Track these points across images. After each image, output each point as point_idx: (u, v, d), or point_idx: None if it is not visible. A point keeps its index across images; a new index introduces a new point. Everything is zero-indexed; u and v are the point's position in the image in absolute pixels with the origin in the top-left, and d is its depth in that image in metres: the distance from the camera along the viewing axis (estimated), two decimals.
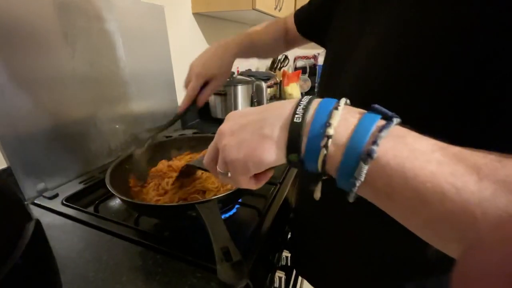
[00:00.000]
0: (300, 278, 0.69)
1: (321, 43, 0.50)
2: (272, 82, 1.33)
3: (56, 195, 0.57)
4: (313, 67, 1.71)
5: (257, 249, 0.42)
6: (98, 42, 0.67)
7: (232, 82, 1.07)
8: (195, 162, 0.47)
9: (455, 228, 0.16)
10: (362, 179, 0.18)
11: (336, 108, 0.19)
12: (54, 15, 0.57)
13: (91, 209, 0.52)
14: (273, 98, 1.35)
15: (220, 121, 0.95)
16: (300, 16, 0.52)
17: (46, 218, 0.50)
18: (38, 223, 0.25)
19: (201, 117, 1.16)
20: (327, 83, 0.39)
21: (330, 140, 0.19)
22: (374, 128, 0.18)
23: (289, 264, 0.53)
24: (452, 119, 0.24)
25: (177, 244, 0.43)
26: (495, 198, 0.14)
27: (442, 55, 0.23)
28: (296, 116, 0.20)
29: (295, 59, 1.81)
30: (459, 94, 0.23)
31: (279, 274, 0.48)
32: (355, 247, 0.39)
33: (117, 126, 0.76)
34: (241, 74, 1.29)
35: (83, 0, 0.62)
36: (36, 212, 0.53)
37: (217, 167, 0.26)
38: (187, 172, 0.50)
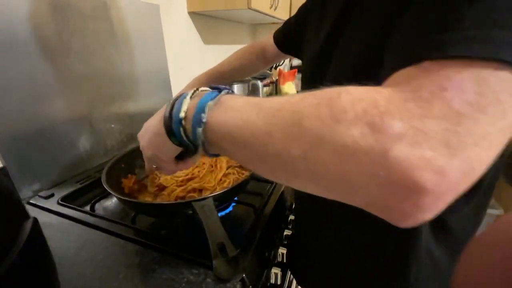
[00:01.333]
0: None
1: (297, 56, 0.59)
2: (268, 81, 1.33)
3: (51, 195, 0.57)
4: None
5: (253, 245, 0.43)
6: (93, 41, 0.67)
7: None
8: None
9: (267, 152, 0.20)
10: (202, 138, 0.24)
11: (186, 98, 0.26)
12: (48, 14, 0.57)
13: (87, 208, 0.53)
14: (269, 97, 1.36)
15: None
16: (278, 34, 0.63)
17: (42, 218, 0.50)
18: (35, 221, 0.26)
19: None
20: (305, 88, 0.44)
21: (183, 121, 0.25)
22: (206, 102, 0.24)
23: (285, 261, 0.54)
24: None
25: (173, 241, 0.43)
26: (261, 120, 0.21)
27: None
28: (166, 112, 0.27)
29: (291, 58, 1.82)
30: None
31: (275, 270, 0.48)
32: (352, 251, 0.39)
33: (112, 125, 0.76)
34: None
35: None
36: (32, 212, 0.52)
37: (148, 163, 0.35)
38: None
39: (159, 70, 0.91)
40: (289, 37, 0.59)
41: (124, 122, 0.79)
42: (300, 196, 0.49)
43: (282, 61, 1.59)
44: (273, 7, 1.23)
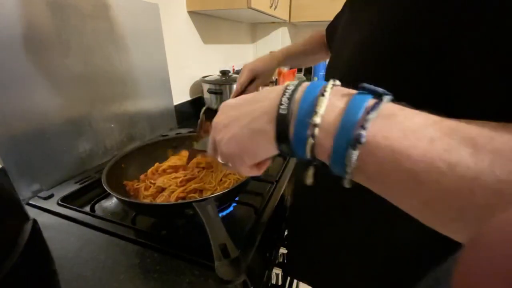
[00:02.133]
0: None
1: None
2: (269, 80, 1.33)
3: (51, 195, 0.56)
4: None
5: (254, 246, 0.43)
6: (92, 40, 0.66)
7: (227, 80, 1.07)
8: (199, 146, 0.49)
9: (453, 207, 0.15)
10: (353, 165, 0.17)
11: (323, 94, 0.18)
12: (47, 13, 0.56)
13: (87, 209, 0.52)
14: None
15: None
16: (327, 27, 0.59)
17: (41, 219, 0.50)
18: (35, 223, 0.25)
19: (197, 115, 1.16)
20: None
21: (317, 129, 0.18)
22: (362, 111, 0.17)
23: (286, 261, 0.54)
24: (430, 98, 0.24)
25: (174, 242, 0.43)
26: (493, 169, 0.14)
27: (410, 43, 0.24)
28: (282, 107, 0.20)
29: None
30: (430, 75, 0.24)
31: (276, 270, 0.48)
32: (352, 246, 0.40)
33: (112, 125, 0.75)
34: (237, 72, 1.29)
35: None
36: (31, 213, 0.52)
37: (218, 158, 0.27)
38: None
39: (158, 70, 0.91)
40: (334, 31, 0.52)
41: (124, 122, 0.79)
42: (297, 190, 0.48)
43: None
44: (273, 7, 1.23)
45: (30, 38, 0.54)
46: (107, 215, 0.52)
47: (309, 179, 0.22)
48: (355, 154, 0.17)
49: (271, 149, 0.22)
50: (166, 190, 0.51)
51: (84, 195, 0.59)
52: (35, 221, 0.25)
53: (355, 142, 0.17)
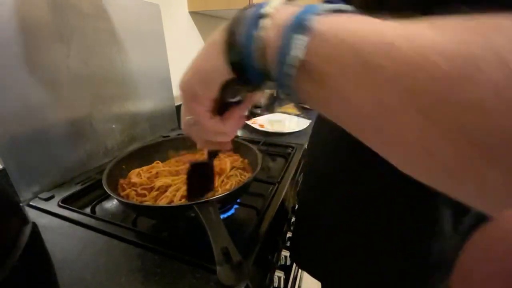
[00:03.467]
0: (299, 277, 0.70)
1: None
2: None
3: (52, 197, 0.56)
4: None
5: (256, 249, 0.42)
6: (93, 41, 0.66)
7: None
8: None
9: (417, 92, 0.12)
10: (300, 54, 0.15)
11: None
12: (48, 13, 0.56)
13: (88, 210, 0.52)
14: (270, 97, 1.35)
15: None
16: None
17: (42, 220, 0.49)
18: (34, 226, 0.25)
19: None
20: None
21: (267, 20, 0.17)
22: (319, 8, 0.16)
23: (288, 264, 0.53)
24: None
25: (175, 244, 0.43)
26: (455, 35, 0.12)
27: None
28: (228, 30, 0.19)
29: None
30: None
31: (278, 273, 0.48)
32: (362, 239, 0.39)
33: (113, 125, 0.75)
34: None
35: None
36: (31, 214, 0.52)
37: (183, 115, 0.26)
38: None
39: (159, 70, 0.90)
40: None
41: (125, 122, 0.79)
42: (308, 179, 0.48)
43: None
44: None
45: (30, 38, 0.54)
46: (108, 216, 0.52)
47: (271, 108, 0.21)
48: (302, 40, 0.15)
49: (219, 63, 0.19)
50: (170, 189, 0.50)
51: (85, 196, 0.59)
52: (34, 224, 0.25)
53: (301, 25, 0.15)
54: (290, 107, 1.34)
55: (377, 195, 0.35)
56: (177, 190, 0.49)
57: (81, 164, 0.67)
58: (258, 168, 0.49)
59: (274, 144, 0.85)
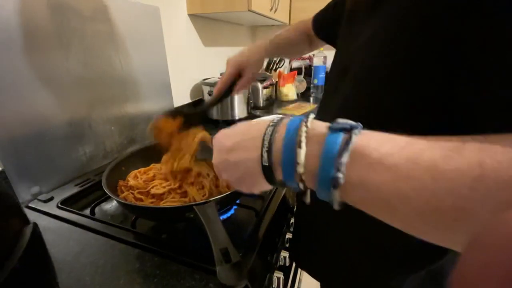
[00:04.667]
0: (298, 278, 0.70)
1: (332, 44, 0.52)
2: (268, 83, 1.33)
3: (51, 198, 0.56)
4: (308, 68, 1.72)
5: (255, 249, 0.42)
6: (92, 43, 0.66)
7: None
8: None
9: (429, 221, 0.17)
10: (338, 199, 0.20)
11: (299, 146, 0.21)
12: (48, 16, 0.56)
13: (87, 212, 0.52)
14: (269, 98, 1.35)
15: (215, 122, 0.95)
16: (316, 17, 0.56)
17: (41, 222, 0.49)
18: (35, 226, 0.25)
19: None
20: (329, 91, 0.43)
21: (302, 176, 0.21)
22: (336, 153, 0.19)
23: (287, 265, 0.53)
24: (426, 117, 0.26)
25: (174, 246, 0.43)
26: (452, 191, 0.16)
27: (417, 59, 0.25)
28: (263, 160, 0.23)
29: (290, 60, 1.82)
30: (430, 94, 0.26)
31: (277, 274, 0.48)
32: (360, 239, 0.39)
33: (112, 127, 0.75)
34: None
35: (78, 1, 0.62)
36: (30, 216, 0.52)
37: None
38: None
39: (159, 72, 0.91)
40: (326, 23, 0.51)
41: (124, 124, 0.79)
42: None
43: (282, 63, 1.59)
44: (273, 10, 1.23)
45: (30, 40, 0.54)
46: (107, 218, 0.52)
47: (307, 199, 0.24)
48: (336, 192, 0.20)
49: (266, 187, 0.26)
50: (166, 199, 0.49)
51: (84, 198, 0.59)
52: (35, 224, 0.25)
53: (335, 183, 0.19)
54: (290, 108, 1.35)
55: None
56: (173, 198, 0.49)
57: (80, 166, 0.67)
58: None
59: None
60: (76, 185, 0.62)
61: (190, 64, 1.14)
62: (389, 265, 0.39)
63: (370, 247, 0.39)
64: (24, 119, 0.54)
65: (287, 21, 1.54)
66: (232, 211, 0.53)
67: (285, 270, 0.52)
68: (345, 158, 0.19)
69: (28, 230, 0.24)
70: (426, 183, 0.17)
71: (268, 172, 0.23)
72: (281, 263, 0.53)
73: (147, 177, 0.54)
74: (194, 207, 0.38)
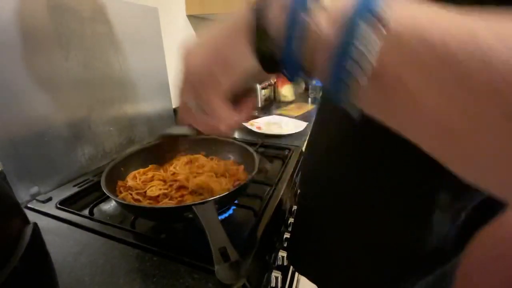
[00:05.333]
0: (296, 278, 0.70)
1: None
2: (267, 83, 1.34)
3: (49, 199, 0.56)
4: None
5: (253, 249, 0.43)
6: (92, 44, 0.67)
7: None
8: (170, 130, 0.38)
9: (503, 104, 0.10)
10: (372, 60, 0.12)
11: None
12: (47, 17, 0.57)
13: (86, 212, 0.52)
14: (268, 99, 1.36)
15: None
16: None
17: (40, 222, 0.48)
18: (35, 226, 0.25)
19: None
20: None
21: (315, 3, 0.13)
22: None
23: (285, 264, 0.54)
24: None
25: (173, 245, 0.43)
26: None
27: None
28: (255, 11, 0.15)
29: None
30: None
31: (276, 274, 0.48)
32: (362, 245, 0.39)
33: (111, 128, 0.75)
34: None
35: (77, 2, 0.62)
36: (29, 216, 0.51)
37: (185, 99, 0.22)
38: (167, 146, 0.48)
39: (157, 73, 0.91)
40: None
41: (123, 125, 0.79)
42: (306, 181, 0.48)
43: None
44: None
45: (29, 41, 0.54)
46: (106, 218, 0.52)
47: (353, 108, 0.15)
48: (376, 41, 0.11)
49: (246, 53, 0.16)
50: (162, 201, 0.49)
51: (83, 199, 0.59)
52: (35, 224, 0.25)
53: (374, 17, 0.11)
54: (288, 109, 1.35)
55: (376, 199, 0.36)
56: (170, 201, 0.49)
57: (79, 166, 0.67)
58: (256, 170, 0.49)
59: (271, 146, 0.85)
60: (75, 185, 0.62)
61: None
62: (392, 271, 0.38)
63: (371, 252, 0.39)
64: (23, 120, 0.54)
65: None
66: (230, 211, 0.54)
67: (283, 269, 0.52)
68: None
69: (29, 230, 0.24)
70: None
71: (259, 20, 0.15)
72: (279, 262, 0.53)
73: (145, 177, 0.54)
74: (193, 207, 0.39)
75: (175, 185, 0.51)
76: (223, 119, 0.21)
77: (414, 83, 0.12)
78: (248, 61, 0.17)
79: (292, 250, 0.53)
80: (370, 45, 0.12)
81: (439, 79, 0.11)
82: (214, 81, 0.19)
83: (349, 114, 0.15)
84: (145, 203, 0.48)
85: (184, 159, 0.61)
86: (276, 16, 0.14)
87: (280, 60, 0.15)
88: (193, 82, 0.20)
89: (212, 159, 0.62)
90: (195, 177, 0.52)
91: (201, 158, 0.61)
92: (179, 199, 0.49)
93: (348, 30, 0.12)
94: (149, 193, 0.50)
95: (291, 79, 0.17)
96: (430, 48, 0.11)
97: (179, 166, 0.57)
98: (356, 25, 0.12)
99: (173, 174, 0.55)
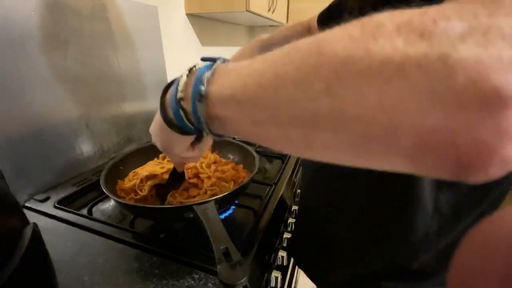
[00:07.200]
0: (295, 278, 0.70)
1: None
2: None
3: (47, 198, 0.56)
4: None
5: (253, 249, 0.43)
6: (90, 42, 0.66)
7: None
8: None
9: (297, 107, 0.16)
10: (204, 114, 0.21)
11: (181, 77, 0.24)
12: (46, 15, 0.56)
13: (84, 211, 0.52)
14: None
15: None
16: (321, 13, 0.57)
17: (38, 222, 0.48)
18: (35, 226, 0.25)
19: None
20: None
21: (182, 102, 0.24)
22: (203, 76, 0.21)
23: (284, 264, 0.54)
24: None
25: (173, 245, 0.43)
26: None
27: None
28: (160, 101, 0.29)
29: None
30: None
31: (275, 274, 0.48)
32: (362, 247, 0.40)
33: (109, 127, 0.75)
34: None
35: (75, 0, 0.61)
36: (27, 216, 0.51)
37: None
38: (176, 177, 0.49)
39: (156, 72, 0.90)
40: (331, 16, 0.51)
41: (121, 123, 0.78)
42: (308, 184, 0.49)
43: None
44: (271, 10, 1.23)
45: (28, 39, 0.53)
46: (105, 218, 0.52)
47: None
48: (200, 107, 0.21)
49: (175, 136, 0.28)
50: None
51: (81, 198, 0.58)
52: (35, 224, 0.25)
53: (200, 96, 0.21)
54: None
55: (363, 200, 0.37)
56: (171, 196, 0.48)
57: (77, 165, 0.67)
58: (256, 170, 0.49)
59: None
60: (73, 184, 0.61)
61: (188, 64, 1.14)
62: (393, 274, 0.38)
63: (371, 255, 0.39)
64: (20, 118, 0.54)
65: (284, 22, 1.54)
66: (230, 211, 0.53)
67: (283, 269, 0.52)
68: (208, 74, 0.21)
69: (29, 230, 0.24)
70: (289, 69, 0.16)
71: (164, 111, 0.27)
72: (279, 262, 0.53)
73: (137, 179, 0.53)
74: (193, 206, 0.38)
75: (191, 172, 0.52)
76: (190, 158, 0.35)
77: (233, 119, 0.20)
78: (183, 140, 0.30)
79: (293, 249, 0.53)
80: (201, 107, 0.21)
81: (248, 116, 0.19)
82: (169, 152, 0.33)
83: None
84: (146, 189, 0.48)
85: (211, 156, 0.59)
86: (171, 114, 0.27)
87: (183, 129, 0.26)
88: (167, 154, 0.36)
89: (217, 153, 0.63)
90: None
91: (227, 164, 0.59)
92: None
93: (192, 101, 0.22)
94: (140, 193, 0.49)
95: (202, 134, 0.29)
96: (235, 100, 0.19)
97: (205, 164, 0.56)
98: (193, 100, 0.22)
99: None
